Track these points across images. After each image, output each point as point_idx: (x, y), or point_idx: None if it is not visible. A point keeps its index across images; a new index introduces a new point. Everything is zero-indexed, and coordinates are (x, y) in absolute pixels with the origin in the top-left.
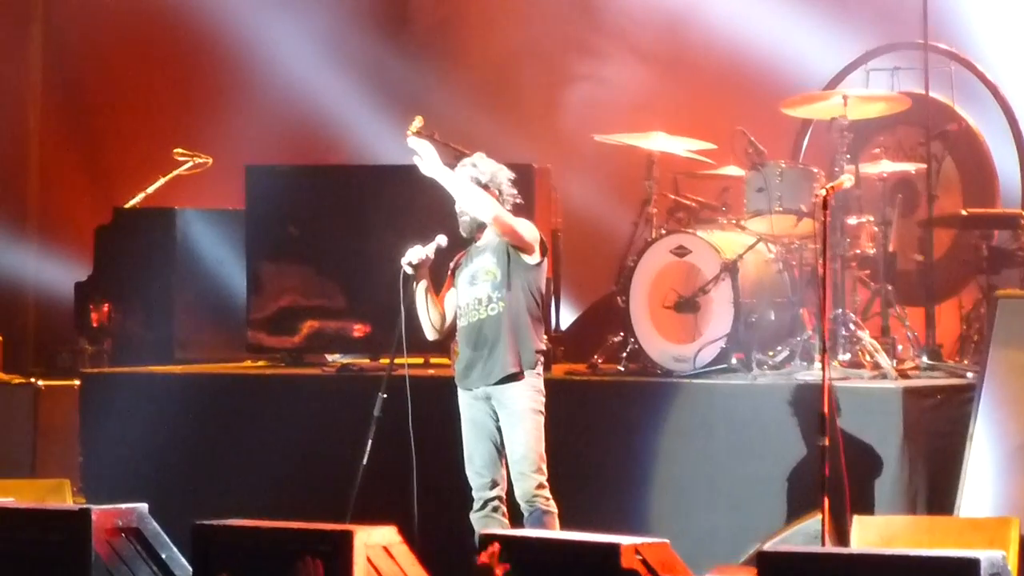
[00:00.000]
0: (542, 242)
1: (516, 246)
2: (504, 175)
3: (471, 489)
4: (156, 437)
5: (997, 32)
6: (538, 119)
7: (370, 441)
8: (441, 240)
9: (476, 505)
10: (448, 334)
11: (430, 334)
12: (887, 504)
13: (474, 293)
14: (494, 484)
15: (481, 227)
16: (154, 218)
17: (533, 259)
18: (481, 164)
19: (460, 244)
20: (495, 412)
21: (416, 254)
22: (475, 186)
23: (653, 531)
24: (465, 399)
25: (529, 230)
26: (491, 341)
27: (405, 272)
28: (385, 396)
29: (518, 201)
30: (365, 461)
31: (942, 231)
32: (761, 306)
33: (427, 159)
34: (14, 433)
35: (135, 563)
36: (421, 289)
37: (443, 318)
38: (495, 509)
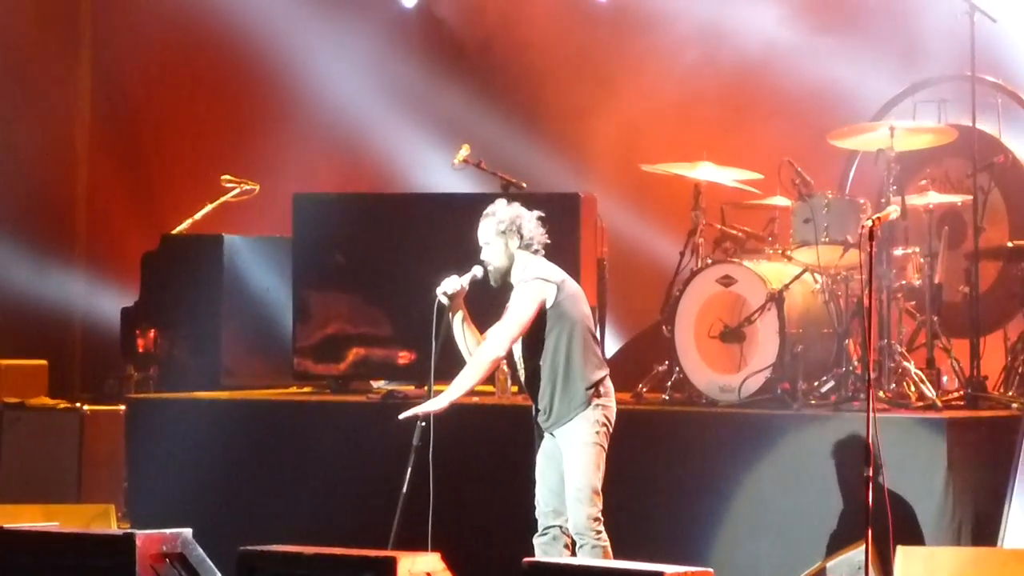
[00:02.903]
0: (545, 283)
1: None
2: (527, 218)
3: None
4: (201, 463)
5: None
6: (585, 148)
7: (410, 469)
8: (477, 271)
9: (540, 530)
10: None
11: None
12: (931, 535)
13: (517, 352)
14: (558, 513)
15: (505, 275)
16: (201, 245)
17: (548, 302)
18: (500, 212)
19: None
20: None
21: (451, 285)
22: (470, 369)
23: (697, 560)
24: (539, 429)
25: (525, 308)
26: (542, 395)
27: (440, 302)
28: (423, 424)
29: (546, 241)
30: (405, 489)
31: (988, 263)
32: (807, 336)
33: (425, 410)
34: (60, 458)
35: None
36: (457, 320)
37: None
38: (555, 538)
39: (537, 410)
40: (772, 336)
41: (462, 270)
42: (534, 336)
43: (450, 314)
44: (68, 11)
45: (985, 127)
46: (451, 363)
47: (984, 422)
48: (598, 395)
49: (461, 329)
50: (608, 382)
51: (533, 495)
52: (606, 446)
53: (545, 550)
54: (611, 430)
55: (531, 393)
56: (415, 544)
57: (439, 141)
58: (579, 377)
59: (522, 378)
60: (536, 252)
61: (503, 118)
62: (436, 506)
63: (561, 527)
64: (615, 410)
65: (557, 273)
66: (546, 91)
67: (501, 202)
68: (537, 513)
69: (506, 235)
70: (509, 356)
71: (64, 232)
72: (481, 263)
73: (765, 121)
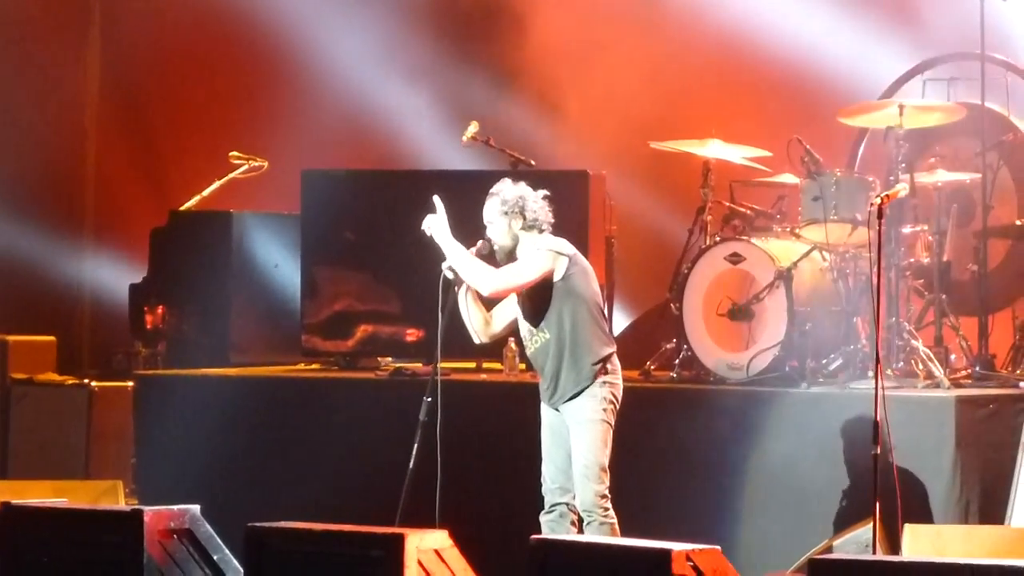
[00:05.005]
0: (557, 253)
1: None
2: (531, 199)
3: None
4: (209, 439)
5: None
6: (594, 126)
7: (416, 445)
8: (482, 246)
9: (546, 508)
10: (497, 340)
11: (475, 338)
12: (939, 513)
13: (524, 327)
14: (565, 490)
15: (511, 254)
16: (210, 221)
17: (557, 275)
18: (504, 192)
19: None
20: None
21: None
22: (471, 262)
23: (705, 538)
24: (544, 406)
25: (533, 267)
26: (548, 369)
27: (445, 276)
28: (429, 400)
29: (551, 220)
30: (412, 465)
31: (997, 241)
32: (815, 314)
33: (439, 224)
34: (68, 434)
35: (187, 565)
36: (463, 294)
37: (487, 323)
38: (562, 515)
39: (543, 385)
40: (780, 314)
41: (469, 247)
42: (542, 308)
43: (456, 288)
44: None
45: (994, 105)
46: (458, 338)
47: (992, 400)
48: (605, 372)
49: (466, 304)
50: (615, 359)
51: (540, 473)
52: (613, 423)
53: (552, 527)
54: (618, 407)
55: (537, 367)
56: (422, 520)
57: (449, 118)
58: (586, 352)
59: (529, 351)
60: (542, 232)
61: (513, 96)
62: (443, 483)
63: (568, 504)
64: (622, 387)
65: (569, 247)
66: (555, 68)
67: (507, 182)
68: (544, 490)
69: (509, 216)
70: (516, 332)
71: (72, 208)
72: (486, 238)
73: (774, 99)
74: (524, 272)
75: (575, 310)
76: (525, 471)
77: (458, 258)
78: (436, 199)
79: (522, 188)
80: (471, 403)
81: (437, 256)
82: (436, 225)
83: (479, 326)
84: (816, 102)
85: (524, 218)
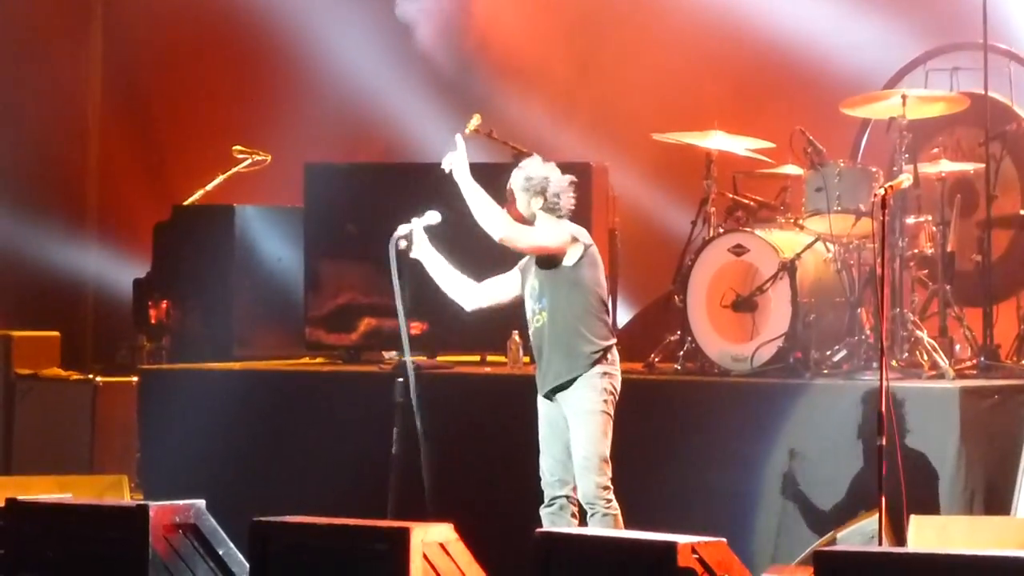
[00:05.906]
0: (575, 239)
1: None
2: (556, 181)
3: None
4: (214, 433)
5: None
6: (596, 117)
7: (395, 429)
8: (431, 216)
9: (546, 501)
10: (489, 302)
11: (465, 304)
12: (944, 504)
13: (528, 306)
14: (564, 483)
15: None
16: (213, 215)
17: (569, 260)
18: (531, 168)
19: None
20: (565, 414)
21: (403, 228)
22: (487, 203)
23: (709, 529)
24: (540, 399)
25: (550, 236)
26: (544, 352)
27: (398, 246)
28: (402, 380)
29: (571, 207)
30: (395, 451)
31: (1000, 231)
32: (819, 305)
33: (459, 161)
34: (73, 429)
35: (192, 559)
36: (434, 265)
37: (466, 290)
38: (562, 508)
39: (538, 371)
40: (784, 305)
41: (472, 240)
42: (546, 289)
43: (412, 257)
44: None
45: (997, 95)
46: (462, 331)
47: (997, 390)
48: (605, 360)
49: (441, 272)
50: (615, 351)
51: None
52: (612, 414)
53: (552, 520)
54: (617, 398)
55: (536, 348)
56: (414, 508)
57: (451, 110)
58: (584, 341)
59: (530, 330)
60: (561, 217)
61: (515, 88)
62: (444, 476)
63: (568, 497)
64: (620, 379)
65: (587, 237)
66: (558, 60)
67: (536, 158)
68: (543, 484)
69: (530, 192)
70: (521, 317)
71: (76, 203)
72: (437, 209)
73: (777, 90)
74: (539, 236)
75: (578, 298)
76: (528, 464)
77: (475, 196)
78: (458, 137)
79: (550, 169)
80: (474, 396)
81: (440, 249)
82: (456, 162)
83: (455, 291)
84: (819, 93)
85: (545, 198)
